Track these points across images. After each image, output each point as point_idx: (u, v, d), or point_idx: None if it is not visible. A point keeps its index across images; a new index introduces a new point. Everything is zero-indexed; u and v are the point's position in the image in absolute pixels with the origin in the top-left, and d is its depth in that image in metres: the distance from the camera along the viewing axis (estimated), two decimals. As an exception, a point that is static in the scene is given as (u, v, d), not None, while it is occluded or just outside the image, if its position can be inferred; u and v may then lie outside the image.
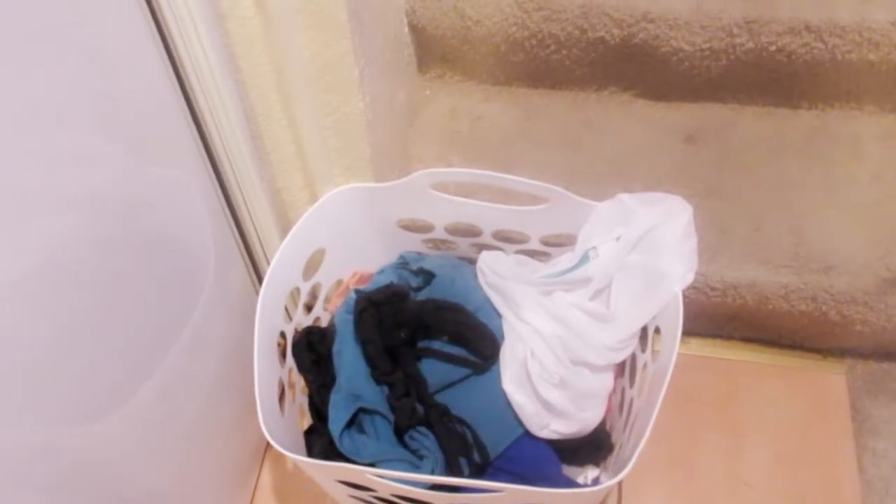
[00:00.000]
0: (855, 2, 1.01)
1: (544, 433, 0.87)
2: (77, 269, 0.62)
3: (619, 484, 1.04)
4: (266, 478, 1.06)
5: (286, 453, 0.74)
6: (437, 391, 0.88)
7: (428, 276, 0.96)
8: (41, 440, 0.60)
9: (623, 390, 0.93)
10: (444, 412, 0.86)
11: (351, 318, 0.91)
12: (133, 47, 0.69)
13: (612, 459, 0.92)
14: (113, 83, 0.65)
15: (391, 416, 0.87)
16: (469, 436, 0.86)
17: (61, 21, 0.57)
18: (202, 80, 0.77)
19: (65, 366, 0.61)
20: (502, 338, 0.90)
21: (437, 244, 1.03)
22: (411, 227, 1.00)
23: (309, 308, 0.99)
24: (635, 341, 0.89)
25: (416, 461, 0.84)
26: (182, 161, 0.80)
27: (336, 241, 0.96)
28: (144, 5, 0.69)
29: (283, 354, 0.92)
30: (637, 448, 0.72)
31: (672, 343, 0.80)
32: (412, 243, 1.02)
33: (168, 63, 0.74)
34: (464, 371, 0.88)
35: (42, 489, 0.61)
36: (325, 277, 0.98)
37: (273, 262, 0.87)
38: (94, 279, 0.64)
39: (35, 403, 0.58)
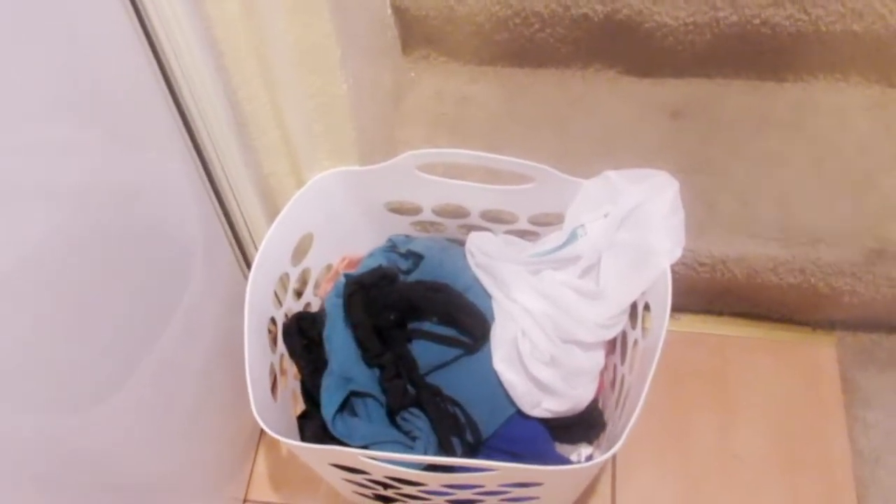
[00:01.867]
0: (838, -28, 1.01)
1: (536, 412, 0.87)
2: (64, 260, 0.62)
3: (613, 460, 1.04)
4: (261, 464, 1.07)
5: (279, 438, 0.75)
6: (429, 372, 0.88)
7: (417, 259, 0.96)
8: (34, 431, 0.60)
9: (614, 367, 0.93)
10: (436, 393, 0.86)
11: (341, 301, 0.91)
12: (113, 34, 0.68)
13: (604, 437, 0.92)
14: (93, 72, 0.64)
15: (383, 399, 0.87)
16: (461, 416, 0.86)
17: (40, 9, 0.56)
18: (184, 66, 0.77)
19: (56, 356, 0.61)
20: (492, 318, 0.90)
21: (426, 226, 1.03)
22: (399, 209, 1.00)
23: (299, 293, 0.99)
24: (625, 318, 0.89)
25: (408, 442, 0.85)
26: (166, 149, 0.80)
27: (324, 225, 0.96)
28: (123, -8, 0.68)
29: (275, 340, 0.92)
30: (629, 424, 0.73)
31: (661, 319, 0.80)
32: (400, 226, 1.02)
33: (149, 49, 0.74)
34: (455, 352, 0.88)
35: (36, 479, 0.61)
36: (315, 262, 0.98)
37: (261, 248, 0.87)
38: (81, 270, 0.64)
39: (27, 394, 0.58)
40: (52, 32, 0.58)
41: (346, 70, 0.82)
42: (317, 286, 1.01)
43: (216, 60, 0.79)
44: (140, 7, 0.71)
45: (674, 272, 0.83)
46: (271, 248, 0.88)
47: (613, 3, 1.03)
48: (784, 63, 1.10)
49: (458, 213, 0.98)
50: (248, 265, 0.96)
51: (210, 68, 0.79)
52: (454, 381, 0.87)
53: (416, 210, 0.99)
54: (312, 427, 0.88)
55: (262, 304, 0.87)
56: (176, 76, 0.77)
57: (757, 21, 1.03)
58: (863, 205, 1.01)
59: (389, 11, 1.09)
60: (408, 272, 0.97)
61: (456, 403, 0.86)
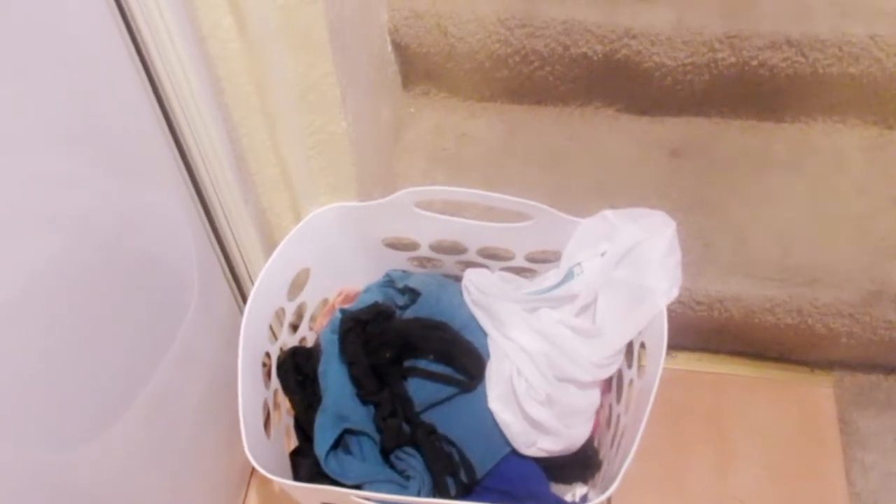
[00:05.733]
0: (834, 16, 1.02)
1: (531, 451, 0.87)
2: (59, 294, 0.62)
3: (608, 501, 1.03)
4: (252, 500, 1.06)
5: (270, 476, 0.74)
6: (424, 410, 0.88)
7: (413, 295, 0.96)
8: (28, 466, 0.59)
9: (610, 406, 0.93)
10: (431, 431, 0.86)
11: (336, 337, 0.91)
12: (113, 69, 0.69)
13: (600, 476, 0.92)
14: (93, 106, 0.65)
15: (377, 437, 0.86)
16: (456, 455, 0.85)
17: (41, 44, 0.57)
18: (183, 102, 0.77)
19: (50, 390, 0.61)
20: (488, 356, 0.90)
21: (423, 262, 1.03)
22: (396, 245, 1.00)
23: (294, 328, 0.98)
24: (621, 357, 0.89)
25: (402, 482, 0.84)
26: (164, 183, 0.80)
27: (321, 260, 0.96)
28: (124, 28, 0.69)
29: (269, 375, 0.92)
30: (624, 464, 0.72)
31: (657, 358, 0.80)
32: (398, 261, 1.02)
33: (149, 85, 0.74)
34: (450, 390, 0.88)
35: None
36: (311, 297, 0.98)
37: (257, 283, 0.87)
38: (76, 303, 0.64)
39: (20, 430, 0.58)
40: (51, 67, 0.59)
41: (346, 108, 0.83)
42: (313, 320, 1.00)
43: (217, 97, 0.80)
44: (140, 42, 0.71)
45: (670, 310, 0.83)
46: (267, 282, 0.88)
47: (612, 44, 1.04)
48: (782, 104, 1.11)
49: (456, 249, 0.99)
50: (245, 299, 0.96)
51: (210, 104, 0.79)
52: (449, 420, 0.87)
53: (413, 246, 0.99)
54: (306, 464, 0.87)
55: (256, 339, 0.87)
56: (175, 111, 0.78)
57: (755, 63, 1.04)
58: (860, 246, 1.01)
59: (390, 48, 1.10)
60: (404, 308, 0.96)
61: (451, 442, 0.86)
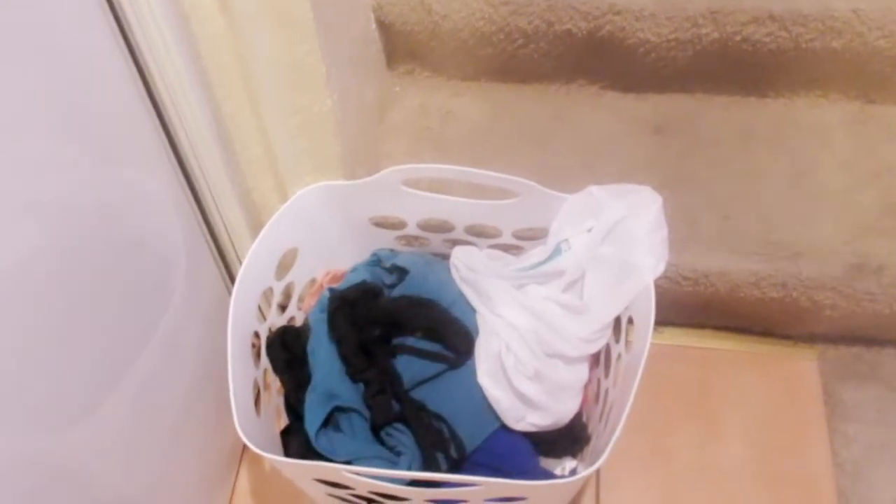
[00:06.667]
0: (817, -10, 1.02)
1: (521, 426, 0.87)
2: (44, 276, 0.61)
3: (597, 474, 1.04)
4: (244, 479, 1.06)
5: (262, 453, 0.74)
6: (413, 387, 0.88)
7: (401, 273, 0.96)
8: (14, 449, 0.59)
9: (598, 381, 0.94)
10: (421, 408, 0.86)
11: (325, 316, 0.91)
12: (96, 50, 0.68)
13: (588, 450, 0.92)
14: (76, 86, 0.64)
15: (367, 414, 0.87)
16: (445, 431, 0.86)
17: (20, 22, 0.56)
18: (167, 82, 0.77)
19: (36, 373, 0.61)
20: (477, 332, 0.90)
21: (410, 241, 1.03)
22: (384, 224, 1.00)
23: (283, 308, 0.98)
24: (609, 332, 0.90)
25: (393, 458, 0.84)
26: (150, 164, 0.80)
27: (308, 240, 0.96)
28: (106, 7, 0.68)
29: (258, 355, 0.92)
30: (612, 438, 0.73)
31: (645, 333, 0.80)
32: (385, 240, 1.02)
33: (132, 65, 0.74)
34: (439, 366, 0.88)
35: (16, 497, 0.60)
36: (299, 277, 0.97)
37: (245, 263, 0.86)
38: (62, 285, 0.64)
39: (7, 412, 0.58)
40: (35, 49, 0.58)
41: (330, 86, 0.83)
42: (301, 300, 1.00)
43: (201, 76, 0.80)
44: (124, 22, 0.71)
45: (657, 286, 0.84)
46: (255, 263, 0.88)
47: (596, 20, 1.04)
48: (765, 79, 1.12)
49: (443, 227, 0.99)
50: (232, 280, 0.95)
51: (194, 84, 0.79)
52: (438, 396, 0.87)
53: (400, 224, 0.99)
54: (296, 442, 0.87)
55: (245, 319, 0.87)
56: (160, 91, 0.77)
57: (738, 38, 1.04)
58: (843, 220, 1.02)
59: (374, 26, 1.09)
60: (392, 287, 0.96)
61: (440, 418, 0.86)
